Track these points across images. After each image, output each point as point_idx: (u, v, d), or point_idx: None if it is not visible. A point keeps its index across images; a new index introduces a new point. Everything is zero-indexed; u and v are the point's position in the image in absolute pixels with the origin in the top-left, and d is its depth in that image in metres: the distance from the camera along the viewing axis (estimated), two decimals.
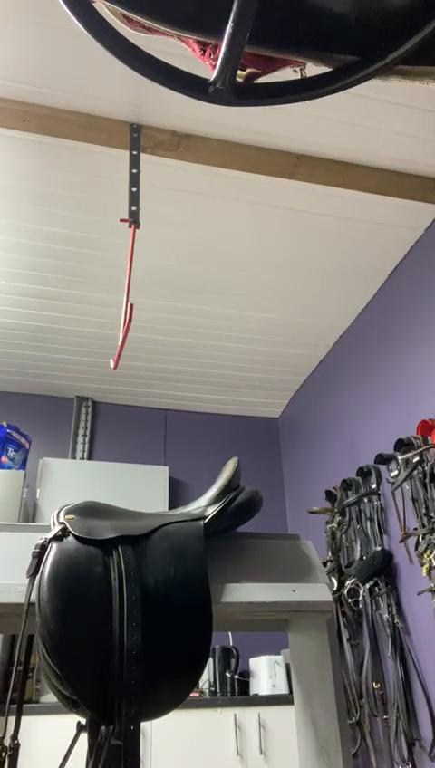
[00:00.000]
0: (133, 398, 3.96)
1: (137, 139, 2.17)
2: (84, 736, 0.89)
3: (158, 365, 3.63)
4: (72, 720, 0.93)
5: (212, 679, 2.96)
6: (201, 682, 2.90)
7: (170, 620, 0.96)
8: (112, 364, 1.85)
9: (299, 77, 0.74)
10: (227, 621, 1.22)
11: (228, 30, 0.62)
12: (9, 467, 3.12)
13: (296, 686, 1.25)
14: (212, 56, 0.70)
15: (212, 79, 0.68)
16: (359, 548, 2.79)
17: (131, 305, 1.81)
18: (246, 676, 3.02)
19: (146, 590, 0.96)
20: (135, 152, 2.17)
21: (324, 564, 2.77)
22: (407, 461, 2.42)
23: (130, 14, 0.69)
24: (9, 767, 0.83)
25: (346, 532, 2.90)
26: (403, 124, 2.21)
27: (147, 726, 2.51)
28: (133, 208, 2.11)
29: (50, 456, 3.54)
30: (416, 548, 2.34)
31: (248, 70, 0.73)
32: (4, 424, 3.18)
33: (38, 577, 0.96)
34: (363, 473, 2.88)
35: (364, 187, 2.44)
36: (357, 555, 2.77)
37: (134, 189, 2.14)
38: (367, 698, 2.49)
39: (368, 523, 2.79)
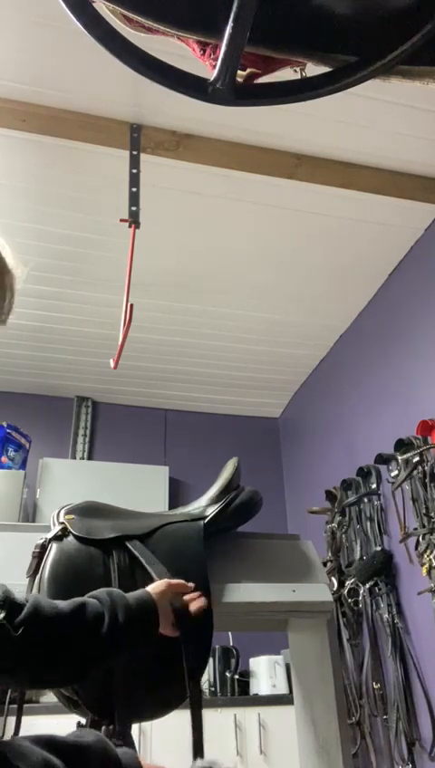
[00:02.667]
0: (133, 398, 3.96)
1: (137, 139, 2.17)
2: None
3: (158, 365, 3.63)
4: (72, 720, 0.93)
5: (212, 679, 2.96)
6: (201, 682, 2.90)
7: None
8: (112, 364, 1.85)
9: (299, 77, 0.75)
10: (227, 621, 1.22)
11: (228, 30, 0.62)
12: (9, 467, 3.12)
13: (296, 685, 1.25)
14: (212, 56, 0.70)
15: (212, 79, 0.68)
16: (359, 548, 2.78)
17: (131, 305, 1.81)
18: (246, 676, 3.02)
19: None
20: (135, 152, 2.16)
21: (324, 564, 2.77)
22: (407, 461, 2.42)
23: (130, 14, 0.69)
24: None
25: (346, 532, 2.89)
26: (403, 124, 2.21)
27: (147, 726, 2.51)
28: (133, 208, 2.11)
29: (50, 456, 3.53)
30: (416, 548, 2.34)
31: (248, 70, 0.73)
32: (4, 424, 3.18)
33: (38, 577, 0.96)
34: (363, 473, 2.88)
35: (365, 187, 2.44)
36: (357, 555, 2.77)
37: (134, 189, 2.14)
38: (367, 698, 2.49)
39: (368, 523, 2.79)
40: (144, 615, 0.90)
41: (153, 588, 0.95)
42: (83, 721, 0.91)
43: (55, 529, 1.02)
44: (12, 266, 0.87)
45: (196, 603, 0.98)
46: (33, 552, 0.98)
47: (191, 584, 1.01)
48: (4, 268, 0.86)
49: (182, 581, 0.99)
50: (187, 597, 0.98)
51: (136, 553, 0.99)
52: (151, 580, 0.97)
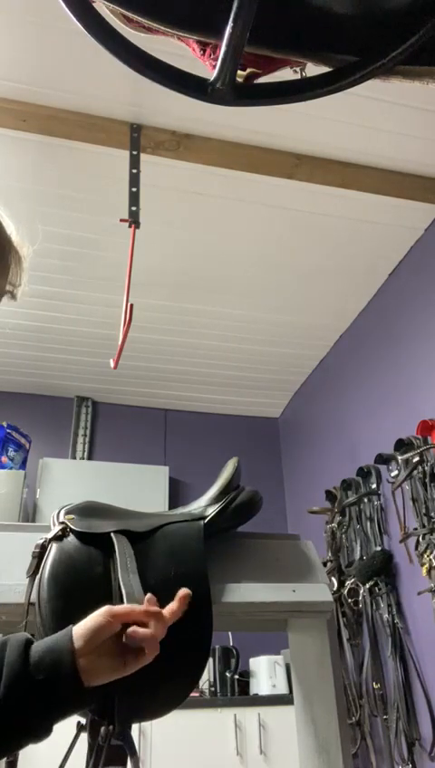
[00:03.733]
0: (133, 398, 3.96)
1: (137, 139, 2.17)
2: (84, 736, 0.89)
3: (158, 365, 3.63)
4: (72, 720, 0.93)
5: (212, 679, 2.96)
6: (201, 682, 2.90)
7: None
8: (112, 364, 1.85)
9: (299, 77, 0.74)
10: (227, 621, 1.22)
11: (228, 30, 0.62)
12: (9, 467, 3.12)
13: (296, 685, 1.25)
14: (212, 56, 0.70)
15: (212, 79, 0.67)
16: (359, 548, 2.78)
17: (131, 305, 1.81)
18: (246, 676, 3.02)
19: (146, 590, 0.96)
20: (135, 152, 2.17)
21: (324, 564, 2.77)
22: (407, 461, 2.42)
23: (130, 14, 0.69)
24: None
25: (346, 532, 2.90)
26: (403, 124, 2.21)
27: (147, 726, 2.51)
28: (133, 208, 2.11)
29: (50, 456, 3.53)
30: (416, 548, 2.34)
31: (248, 70, 0.73)
32: (4, 424, 3.18)
33: (38, 577, 0.96)
34: (363, 473, 2.88)
35: (364, 187, 2.44)
36: (357, 555, 2.77)
37: (134, 189, 2.14)
38: (367, 698, 2.49)
39: (368, 523, 2.79)
40: (48, 682, 0.65)
41: (84, 625, 0.70)
42: (83, 721, 0.91)
43: (55, 529, 1.02)
44: (17, 242, 0.85)
45: (149, 643, 0.71)
46: (33, 552, 0.98)
47: (141, 607, 0.75)
48: (9, 243, 0.83)
49: (129, 608, 0.74)
50: (136, 629, 0.72)
51: (116, 555, 0.96)
52: (151, 581, 0.96)
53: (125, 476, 3.51)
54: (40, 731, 0.66)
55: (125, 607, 0.75)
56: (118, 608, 0.74)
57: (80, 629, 0.70)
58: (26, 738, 0.66)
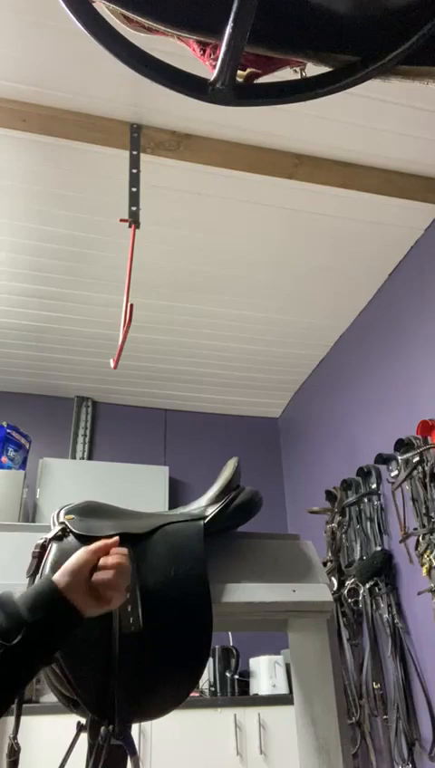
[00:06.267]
0: (133, 398, 3.96)
1: (137, 139, 2.17)
2: (84, 736, 0.89)
3: (158, 365, 3.63)
4: (72, 720, 0.93)
5: (212, 679, 2.96)
6: (201, 682, 2.90)
7: (170, 620, 0.96)
8: (112, 364, 1.85)
9: (299, 77, 0.75)
10: (227, 621, 1.22)
11: (228, 30, 0.62)
12: (9, 467, 3.12)
13: (296, 685, 1.25)
14: (212, 56, 0.70)
15: (212, 79, 0.68)
16: (359, 548, 2.78)
17: (131, 305, 1.81)
18: (246, 676, 3.02)
19: (146, 590, 0.96)
20: (135, 152, 2.16)
21: (324, 564, 2.77)
22: (407, 461, 2.42)
23: (130, 14, 0.69)
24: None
25: (346, 532, 2.89)
26: (403, 124, 2.21)
27: (147, 726, 2.51)
28: (133, 208, 2.11)
29: (50, 456, 3.53)
30: (416, 548, 2.34)
31: (248, 70, 0.73)
32: (5, 424, 3.18)
33: (38, 577, 0.96)
34: (363, 473, 2.88)
35: (364, 187, 2.44)
36: (357, 555, 2.77)
37: (134, 189, 2.14)
38: (367, 698, 2.49)
39: (368, 523, 2.79)
40: (45, 622, 0.77)
41: (66, 564, 0.84)
42: (83, 721, 0.91)
43: (55, 529, 1.02)
44: None
45: (103, 573, 0.84)
46: (33, 552, 0.98)
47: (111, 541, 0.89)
48: None
49: (101, 542, 0.89)
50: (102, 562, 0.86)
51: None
52: (150, 581, 0.97)
53: (125, 476, 3.51)
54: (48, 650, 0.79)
55: (99, 543, 0.89)
56: (95, 544, 0.88)
57: (63, 568, 0.84)
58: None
